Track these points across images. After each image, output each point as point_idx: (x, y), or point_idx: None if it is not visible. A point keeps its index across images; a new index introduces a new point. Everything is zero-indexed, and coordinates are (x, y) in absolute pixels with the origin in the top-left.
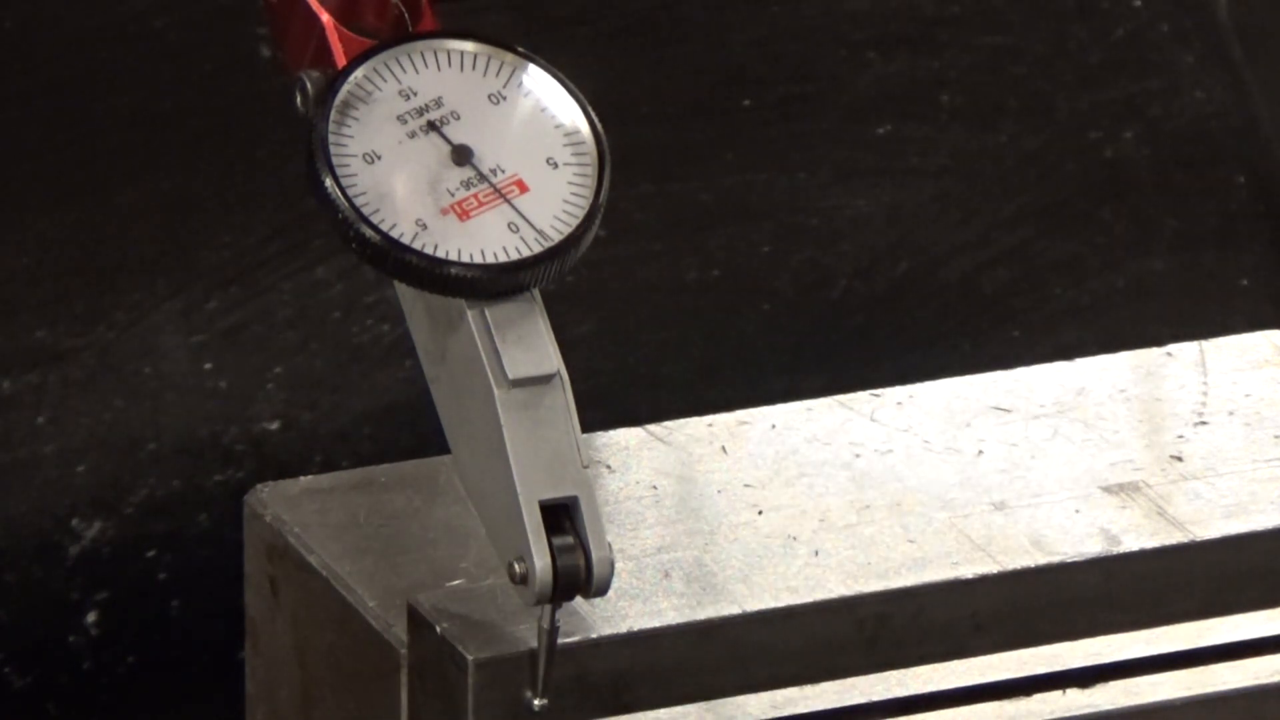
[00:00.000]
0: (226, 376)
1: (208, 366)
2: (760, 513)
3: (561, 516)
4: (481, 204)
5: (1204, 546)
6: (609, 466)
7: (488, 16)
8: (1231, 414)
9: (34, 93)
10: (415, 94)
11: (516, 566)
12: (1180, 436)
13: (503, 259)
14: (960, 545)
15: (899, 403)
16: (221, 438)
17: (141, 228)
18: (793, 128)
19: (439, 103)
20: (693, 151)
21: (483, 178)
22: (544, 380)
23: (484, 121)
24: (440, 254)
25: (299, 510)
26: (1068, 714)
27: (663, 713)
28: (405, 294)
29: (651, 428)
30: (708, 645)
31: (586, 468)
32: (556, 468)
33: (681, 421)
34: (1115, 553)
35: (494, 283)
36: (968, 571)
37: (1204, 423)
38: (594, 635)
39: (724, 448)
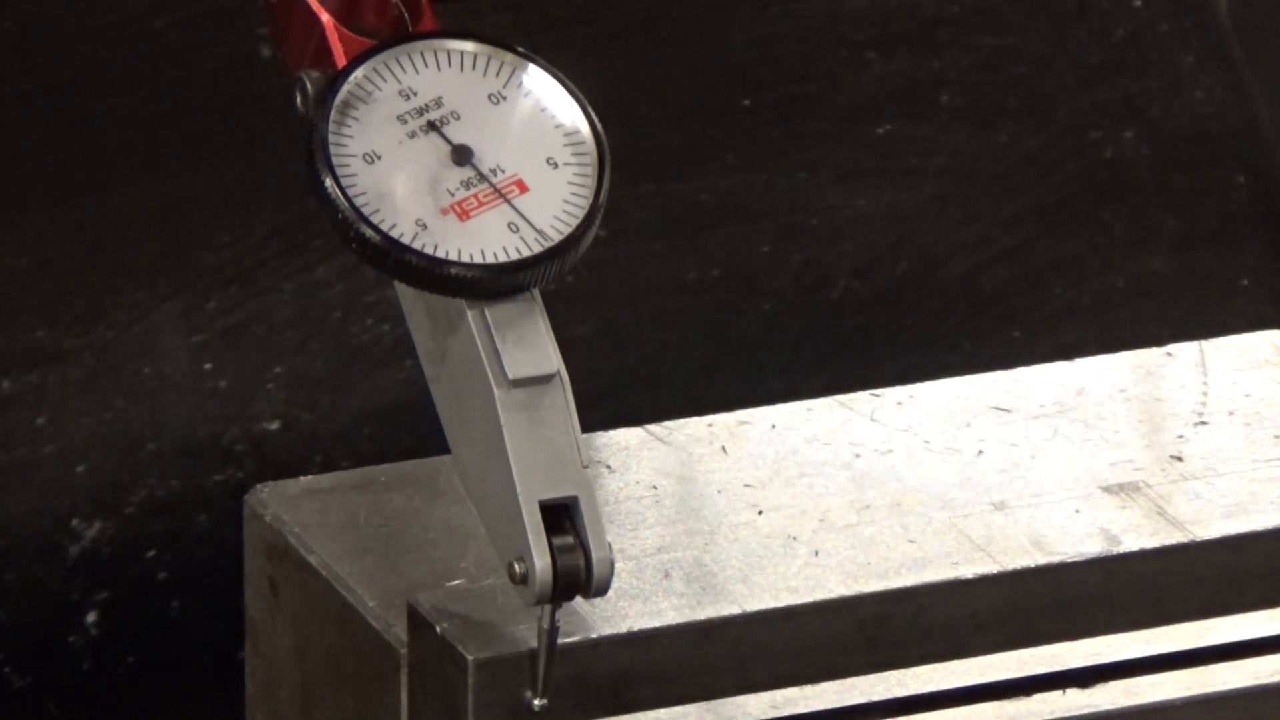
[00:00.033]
0: (226, 376)
1: (208, 366)
2: (760, 513)
3: (561, 516)
4: (481, 204)
5: (1204, 546)
6: (609, 466)
7: (488, 16)
8: (1231, 414)
9: (34, 93)
10: (415, 94)
11: (516, 566)
12: (1180, 436)
13: (503, 259)
14: (960, 545)
15: (899, 403)
16: (221, 438)
17: (141, 228)
18: (793, 128)
19: (439, 103)
20: (693, 151)
21: (483, 178)
22: (544, 380)
23: (484, 121)
24: (440, 254)
25: (299, 510)
26: (1068, 714)
27: (663, 713)
28: (405, 294)
29: (651, 428)
30: (708, 645)
31: (586, 468)
32: (556, 468)
33: (681, 421)
34: (1115, 553)
35: (494, 283)
36: (968, 571)
37: (1204, 423)
38: (594, 635)
39: (724, 448)
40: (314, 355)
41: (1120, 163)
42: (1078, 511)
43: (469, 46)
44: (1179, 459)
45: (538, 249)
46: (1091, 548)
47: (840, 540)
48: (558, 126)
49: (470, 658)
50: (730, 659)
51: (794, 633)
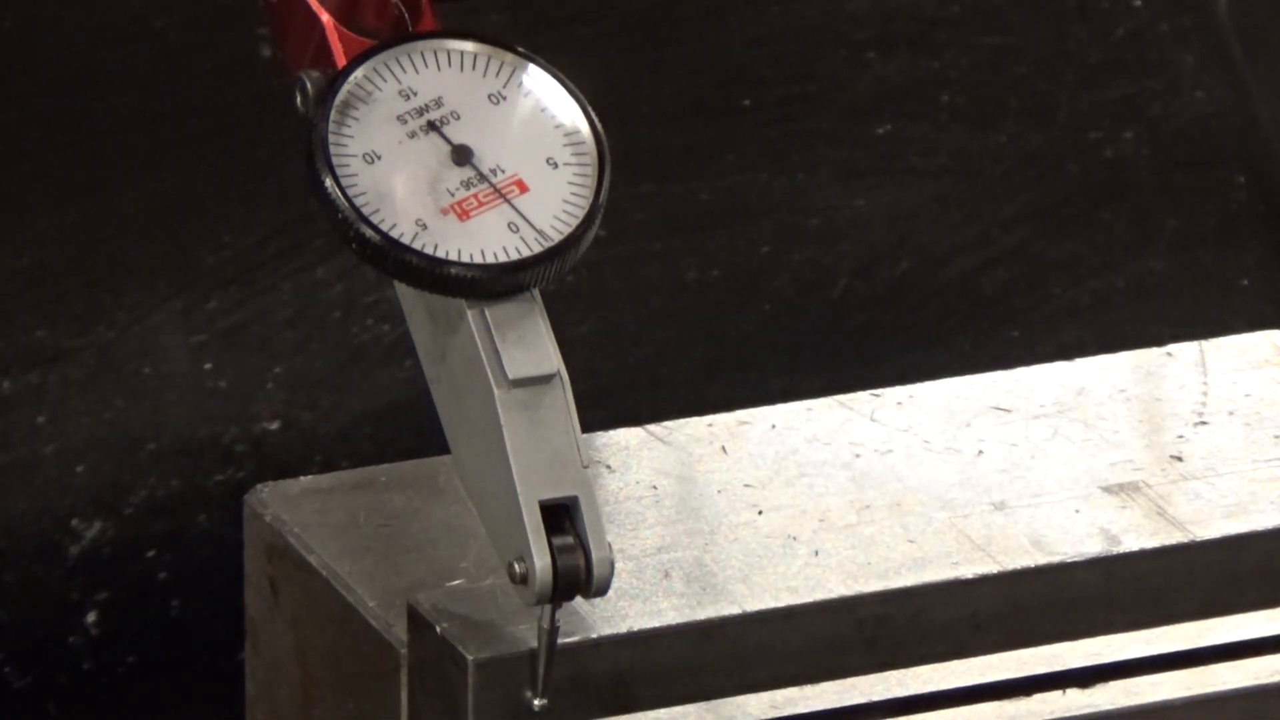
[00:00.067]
0: (226, 376)
1: (208, 366)
2: (760, 513)
3: (561, 516)
4: (481, 204)
5: (1204, 546)
6: (609, 466)
7: (488, 16)
8: (1231, 414)
9: (34, 93)
10: (415, 94)
11: (516, 566)
12: (1180, 436)
13: (503, 259)
14: (960, 545)
15: (899, 403)
16: (221, 438)
17: (141, 228)
18: (793, 128)
19: (439, 103)
20: (693, 151)
21: (483, 178)
22: (544, 380)
23: (484, 121)
24: (440, 254)
25: (299, 510)
26: (1068, 714)
27: (663, 713)
28: (405, 294)
29: (651, 428)
30: (708, 645)
31: (586, 468)
32: (556, 468)
33: (681, 421)
34: (1115, 553)
35: (494, 283)
36: (968, 571)
37: (1204, 423)
38: (594, 635)
39: (724, 448)
40: (314, 355)
41: (1120, 163)
42: (1078, 511)
43: (469, 46)
44: (1179, 459)
45: (538, 249)
46: (1091, 548)
47: (840, 540)
48: (558, 126)
49: (470, 658)
50: (730, 659)
51: (794, 633)
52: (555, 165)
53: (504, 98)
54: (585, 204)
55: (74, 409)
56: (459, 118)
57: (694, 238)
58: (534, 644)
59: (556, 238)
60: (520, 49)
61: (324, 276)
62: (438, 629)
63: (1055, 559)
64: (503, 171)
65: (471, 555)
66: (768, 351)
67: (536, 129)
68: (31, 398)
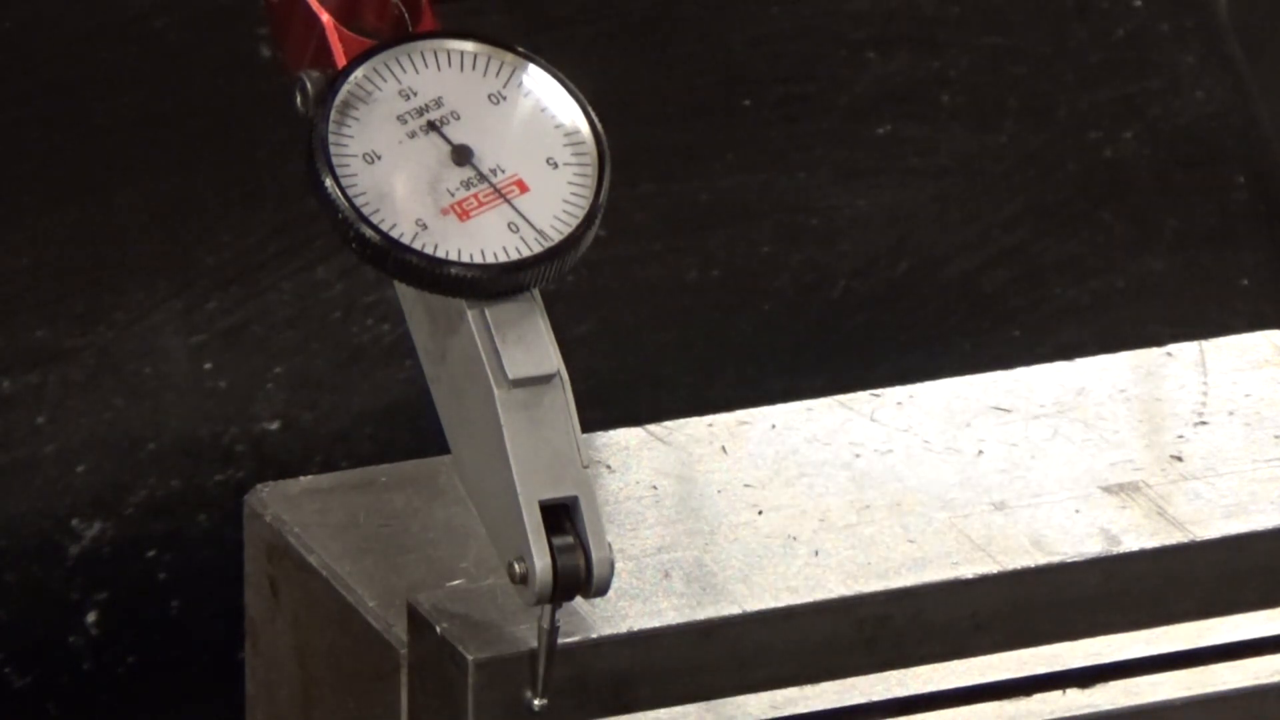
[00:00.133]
0: (226, 376)
1: (208, 366)
2: (760, 513)
3: (561, 516)
4: (481, 204)
5: (1204, 546)
6: (609, 466)
7: (488, 16)
8: (1231, 414)
9: (34, 93)
10: (415, 94)
11: (516, 566)
12: (1180, 436)
13: (503, 259)
14: (960, 545)
15: (899, 403)
16: (221, 438)
17: (141, 228)
18: (793, 128)
19: (439, 103)
20: (693, 151)
21: (483, 178)
22: (544, 380)
23: (484, 121)
24: (440, 254)
25: (299, 510)
26: (1068, 714)
27: (663, 713)
28: (405, 294)
29: (651, 428)
30: (708, 645)
31: (586, 468)
32: (556, 468)
33: (681, 421)
34: (1115, 553)
35: (494, 283)
36: (968, 571)
37: (1204, 423)
38: (594, 635)
39: (724, 448)
40: (314, 355)
41: (1120, 163)
42: (1078, 511)
43: (469, 46)
44: (1179, 459)
45: (538, 249)
46: (1091, 548)
47: (840, 540)
48: (558, 126)
49: (470, 658)
50: (730, 659)
51: (794, 633)
52: (555, 165)
53: (504, 98)
54: (585, 204)
55: (74, 409)
56: (459, 118)
57: (694, 238)
58: (534, 644)
59: (556, 238)
60: (520, 49)
61: (324, 276)
62: (438, 629)
63: (1055, 559)
64: (503, 171)
65: (471, 555)
66: (768, 351)
67: (536, 129)
68: (31, 398)
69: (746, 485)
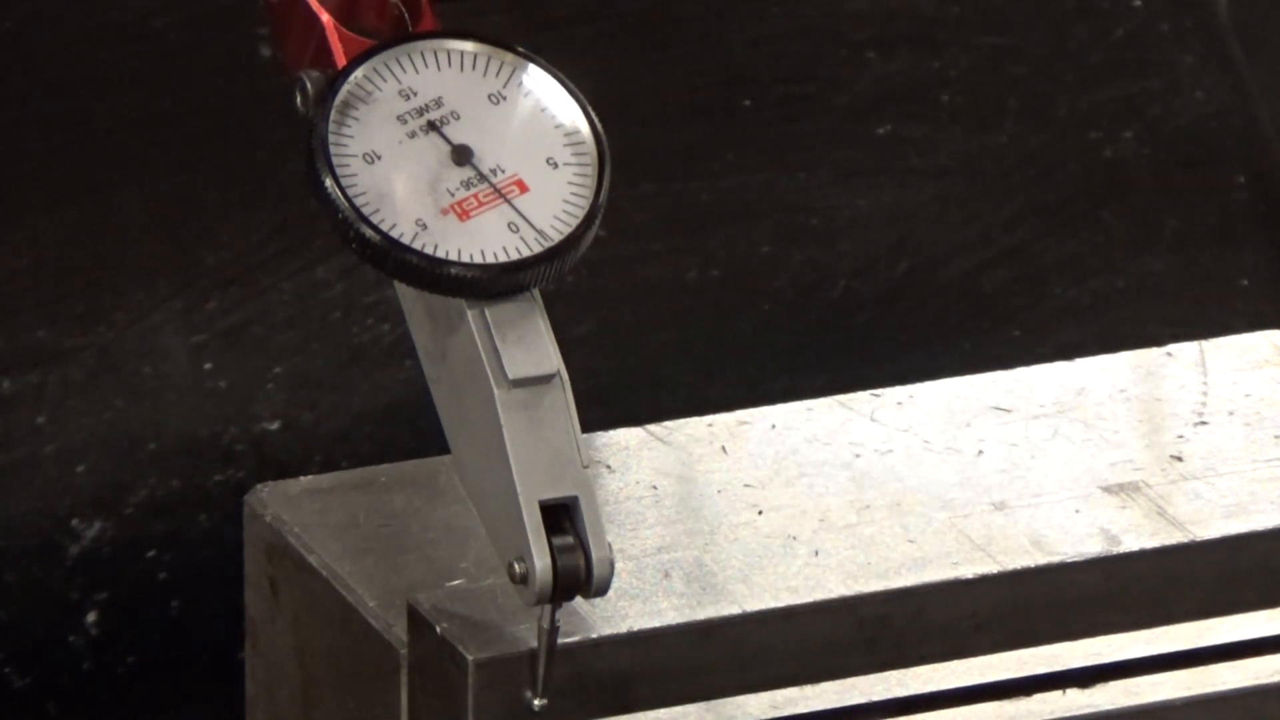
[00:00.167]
0: (226, 376)
1: (208, 366)
2: (760, 513)
3: (561, 516)
4: (481, 204)
5: (1204, 546)
6: (609, 466)
7: (488, 16)
8: (1231, 414)
9: (34, 93)
10: (415, 94)
11: (516, 566)
12: (1180, 436)
13: (503, 259)
14: (960, 545)
15: (899, 403)
16: (221, 438)
17: (141, 228)
18: (793, 128)
19: (439, 103)
20: (693, 151)
21: (483, 178)
22: (544, 380)
23: (484, 121)
24: (440, 254)
25: (299, 510)
26: (1068, 714)
27: (663, 713)
28: (405, 294)
29: (651, 428)
30: (708, 645)
31: (586, 468)
32: (556, 468)
33: (681, 421)
34: (1115, 553)
35: (494, 283)
36: (968, 571)
37: (1204, 423)
38: (594, 635)
39: (724, 448)
40: (314, 355)
41: (1120, 163)
42: (1078, 511)
43: (469, 46)
44: (1179, 459)
45: (538, 249)
46: (1091, 548)
47: (840, 540)
48: (558, 126)
49: (470, 658)
50: (730, 659)
51: (794, 633)
52: (555, 165)
53: (504, 98)
54: (585, 204)
55: (74, 409)
56: (459, 118)
57: (694, 238)
58: (534, 644)
59: (556, 238)
60: (520, 49)
61: (324, 276)
62: (438, 629)
63: (1055, 559)
64: (503, 171)
65: (471, 555)
66: (768, 351)
67: (536, 129)
68: (31, 398)
69: (746, 485)
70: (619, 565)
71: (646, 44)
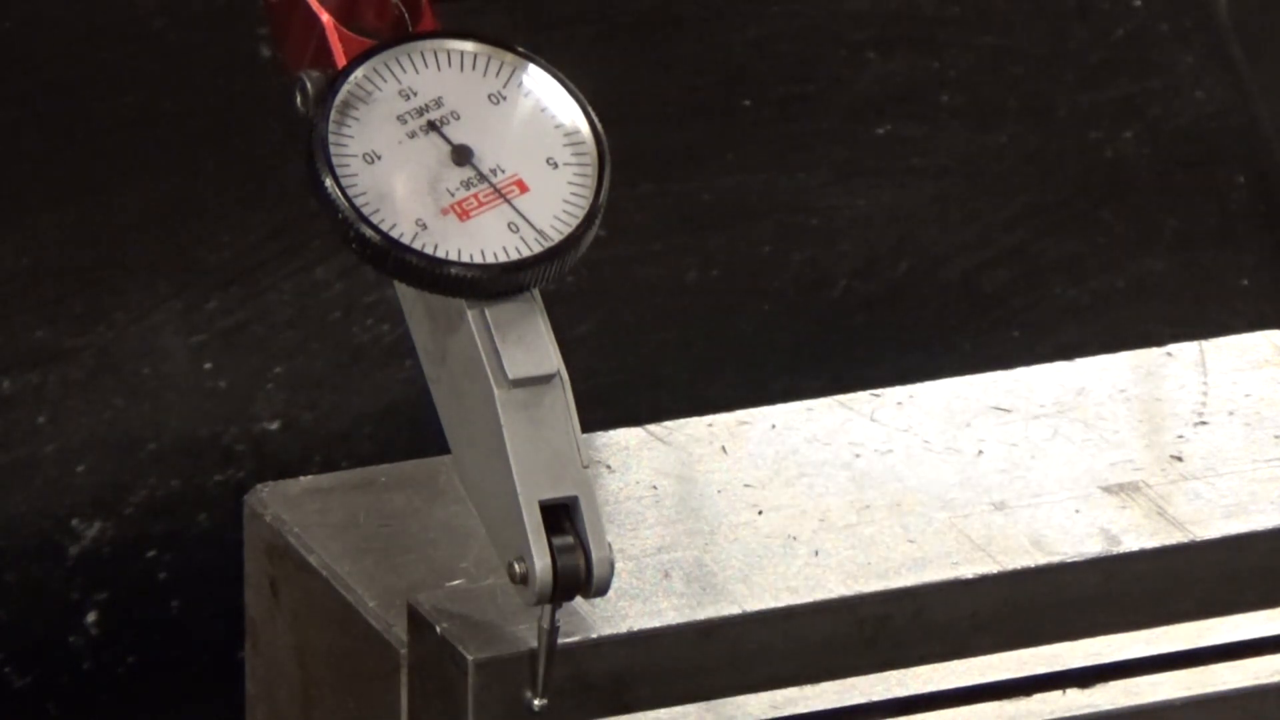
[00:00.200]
0: (226, 376)
1: (208, 366)
2: (760, 513)
3: (561, 516)
4: (481, 204)
5: (1204, 546)
6: (609, 466)
7: (488, 16)
8: (1231, 414)
9: (34, 93)
10: (415, 94)
11: (516, 566)
12: (1180, 436)
13: (503, 259)
14: (960, 545)
15: (899, 403)
16: (221, 438)
17: (141, 228)
18: (793, 128)
19: (439, 103)
20: (693, 151)
21: (483, 178)
22: (544, 380)
23: (484, 121)
24: (440, 254)
25: (299, 510)
26: (1068, 714)
27: (663, 713)
28: (405, 294)
29: (651, 428)
30: (708, 645)
31: (586, 468)
32: (556, 468)
33: (681, 421)
34: (1115, 553)
35: (494, 283)
36: (968, 571)
37: (1204, 423)
38: (594, 635)
39: (724, 448)
40: (314, 355)
41: (1120, 163)
42: (1078, 511)
43: (469, 46)
44: (1179, 459)
45: (538, 249)
46: (1091, 548)
47: (840, 540)
48: (558, 126)
49: (470, 658)
50: (730, 659)
51: (794, 633)
52: (555, 165)
53: (504, 98)
54: (585, 204)
55: (74, 409)
56: (459, 118)
57: (694, 238)
58: (534, 644)
59: (556, 238)
60: (520, 49)
61: (324, 276)
62: (438, 629)
63: (1055, 559)
64: (503, 171)
65: (471, 555)
66: (768, 351)
67: (536, 129)
68: (31, 398)
69: (746, 485)
70: (619, 565)
71: (646, 44)
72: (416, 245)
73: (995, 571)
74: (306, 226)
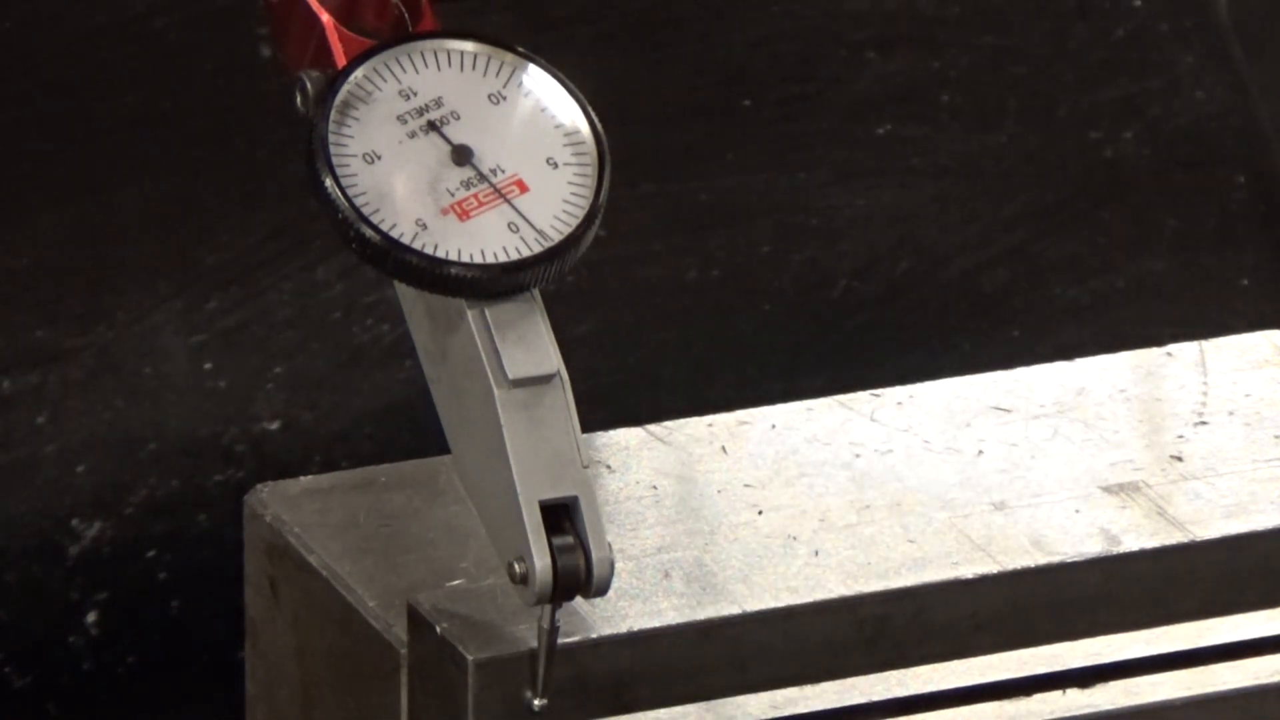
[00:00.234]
0: (226, 376)
1: (208, 366)
2: (760, 513)
3: (561, 516)
4: (481, 204)
5: (1204, 546)
6: (609, 466)
7: (488, 16)
8: (1231, 414)
9: (34, 93)
10: (415, 94)
11: (516, 566)
12: (1180, 436)
13: (503, 259)
14: (960, 545)
15: (899, 403)
16: (221, 438)
17: (141, 228)
18: (793, 128)
19: (439, 103)
20: (693, 151)
21: (483, 178)
22: (544, 380)
23: (484, 121)
24: (440, 254)
25: (299, 510)
26: (1068, 714)
27: (663, 713)
28: (405, 294)
29: (651, 428)
30: (708, 645)
31: (586, 468)
32: (556, 468)
33: (681, 421)
34: (1115, 553)
35: (494, 283)
36: (968, 571)
37: (1204, 423)
38: (594, 635)
39: (724, 448)
40: (314, 355)
41: (1120, 163)
42: (1078, 511)
43: (469, 46)
44: (1179, 459)
45: (538, 249)
46: (1091, 548)
47: (840, 540)
48: (558, 126)
49: (470, 658)
50: (730, 659)
51: (794, 633)
52: (555, 165)
53: (504, 98)
54: (585, 204)
55: (74, 409)
56: (459, 118)
57: (694, 238)
58: (534, 644)
59: (556, 238)
60: (520, 49)
61: (324, 276)
62: (438, 629)
63: (1055, 559)
64: (503, 171)
65: (471, 555)
66: (768, 351)
67: (536, 129)
68: (31, 398)
69: (746, 485)
70: (619, 565)
71: (646, 44)
72: (416, 245)
73: (995, 571)
74: (306, 226)
